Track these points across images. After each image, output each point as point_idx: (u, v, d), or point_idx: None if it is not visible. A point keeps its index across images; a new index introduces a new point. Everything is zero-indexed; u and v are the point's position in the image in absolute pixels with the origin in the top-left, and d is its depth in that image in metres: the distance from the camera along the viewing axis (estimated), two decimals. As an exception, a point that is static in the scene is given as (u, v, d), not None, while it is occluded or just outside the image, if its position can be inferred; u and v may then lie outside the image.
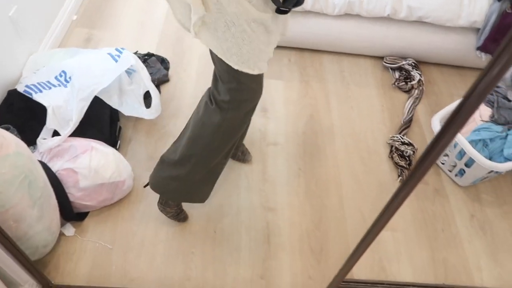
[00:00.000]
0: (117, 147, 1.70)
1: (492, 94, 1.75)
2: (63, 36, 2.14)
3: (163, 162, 1.35)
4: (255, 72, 1.07)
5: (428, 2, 1.94)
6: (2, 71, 1.65)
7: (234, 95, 1.14)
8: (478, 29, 2.04)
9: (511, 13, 1.90)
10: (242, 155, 1.70)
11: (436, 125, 1.66)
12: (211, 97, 1.20)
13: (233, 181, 1.67)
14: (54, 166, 1.44)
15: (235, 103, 1.16)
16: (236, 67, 1.04)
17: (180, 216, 1.50)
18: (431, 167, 0.83)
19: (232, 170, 1.70)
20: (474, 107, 0.66)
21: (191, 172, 1.30)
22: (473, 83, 0.63)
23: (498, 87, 1.78)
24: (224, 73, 1.11)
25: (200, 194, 1.41)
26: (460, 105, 0.67)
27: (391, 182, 1.75)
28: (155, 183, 1.37)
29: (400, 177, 1.74)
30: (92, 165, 1.44)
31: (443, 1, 1.93)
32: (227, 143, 1.27)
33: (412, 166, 0.85)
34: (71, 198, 1.43)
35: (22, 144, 1.17)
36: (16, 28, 1.73)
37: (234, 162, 1.72)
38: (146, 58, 2.02)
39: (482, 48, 2.02)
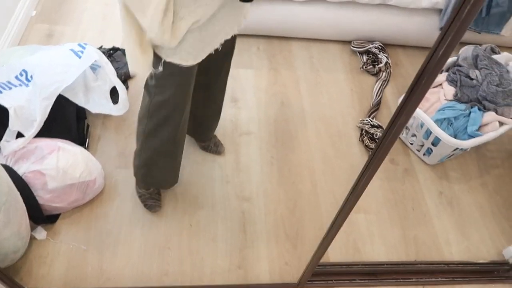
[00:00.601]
0: (86, 145, 1.67)
1: (455, 73, 1.80)
2: (23, 33, 2.06)
3: None
4: (188, 63, 1.07)
5: (391, -16, 1.96)
6: (-43, 73, 1.58)
7: (159, 80, 1.14)
8: (440, 10, 2.08)
9: (471, -7, 1.94)
10: (214, 147, 1.70)
11: (400, 97, 1.69)
12: (146, 82, 1.21)
13: (207, 173, 1.67)
14: (20, 169, 1.40)
15: (159, 88, 1.17)
16: (168, 60, 1.05)
17: (147, 202, 1.51)
18: (393, 145, 0.85)
19: (205, 162, 1.70)
20: (426, 85, 0.68)
21: (141, 156, 1.37)
22: (424, 60, 0.66)
23: (460, 66, 1.82)
24: (154, 58, 1.09)
25: (161, 178, 1.47)
26: (414, 82, 0.69)
27: (362, 165, 1.78)
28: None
29: (369, 155, 1.78)
30: (60, 166, 1.41)
31: (405, -17, 1.96)
32: (162, 127, 1.26)
33: (376, 145, 0.87)
34: (40, 201, 1.40)
35: (-17, 149, 1.13)
36: (-31, 27, 1.65)
37: (207, 154, 1.72)
38: (111, 53, 1.97)
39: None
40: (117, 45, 2.04)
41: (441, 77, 1.83)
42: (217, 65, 1.33)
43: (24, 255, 1.36)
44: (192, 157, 1.71)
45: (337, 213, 1.11)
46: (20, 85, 1.59)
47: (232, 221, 1.55)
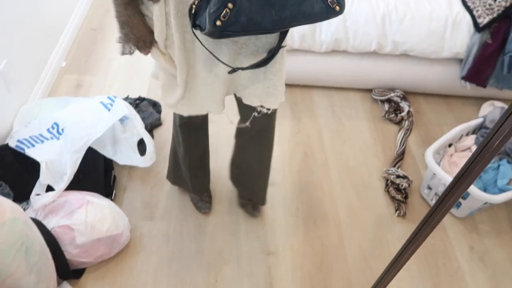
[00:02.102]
0: (112, 197, 1.68)
1: (483, 136, 1.79)
2: (53, 83, 2.13)
3: None
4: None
5: (412, 36, 2.00)
6: (-8, 126, 1.63)
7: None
8: (461, 60, 2.10)
9: (491, 43, 1.97)
10: (251, 209, 1.67)
11: (430, 159, 1.68)
12: None
13: (231, 225, 1.66)
14: (50, 223, 1.41)
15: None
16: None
17: (198, 205, 1.68)
18: (442, 218, 0.83)
19: (230, 214, 1.69)
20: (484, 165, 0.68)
21: (169, 159, 1.63)
22: (480, 143, 0.65)
23: (487, 128, 1.81)
24: None
25: (184, 183, 1.65)
26: (469, 162, 0.68)
27: (389, 217, 1.75)
28: None
29: (398, 211, 1.75)
30: (89, 220, 1.42)
31: (426, 35, 1.99)
32: (177, 146, 1.51)
33: (419, 223, 0.85)
34: (68, 256, 1.40)
35: (17, 208, 1.14)
36: (5, 82, 1.72)
37: (232, 205, 1.71)
38: (137, 103, 2.02)
39: (467, 78, 2.08)
40: (143, 95, 2.09)
41: (469, 141, 1.82)
42: (245, 138, 1.43)
43: (49, 312, 1.34)
44: (217, 208, 1.70)
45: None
46: (52, 138, 1.63)
47: (258, 278, 1.52)
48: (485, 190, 1.63)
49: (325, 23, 1.96)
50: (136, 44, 1.07)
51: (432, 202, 1.81)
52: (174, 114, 1.40)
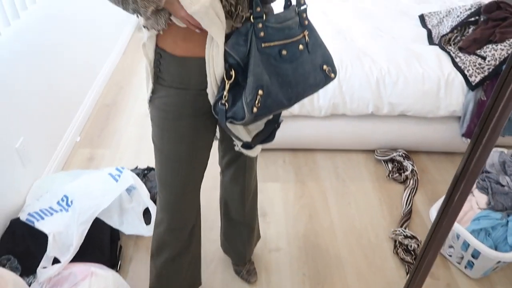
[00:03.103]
0: (118, 268, 1.68)
1: (484, 180, 1.78)
2: (67, 158, 2.25)
3: None
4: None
5: (407, 97, 2.07)
6: (5, 201, 1.70)
7: None
8: (459, 117, 2.14)
9: (485, 100, 2.02)
10: (246, 275, 1.66)
11: (433, 213, 1.66)
12: None
13: (236, 294, 1.62)
14: (53, 297, 1.41)
15: None
16: None
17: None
18: (434, 260, 0.82)
19: (235, 281, 1.66)
20: (462, 198, 0.69)
21: None
22: (453, 177, 0.67)
23: (488, 172, 1.81)
24: None
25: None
26: (448, 196, 0.69)
27: (400, 280, 1.69)
28: None
29: (409, 275, 1.69)
30: (92, 293, 1.42)
31: (420, 95, 2.06)
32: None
33: (415, 263, 0.84)
34: (69, 331, 1.38)
35: (20, 282, 1.16)
36: (21, 158, 1.83)
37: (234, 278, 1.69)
38: (145, 173, 2.09)
39: (467, 135, 2.10)
40: (151, 165, 2.17)
41: (471, 184, 1.81)
42: (231, 177, 1.40)
43: None
44: (222, 276, 1.68)
45: None
46: (61, 210, 1.69)
47: None
48: (496, 248, 1.58)
49: (322, 89, 2.06)
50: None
51: (453, 259, 1.74)
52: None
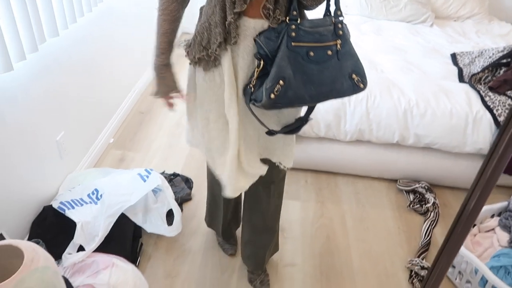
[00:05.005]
0: (137, 263, 1.74)
1: (507, 219, 1.77)
2: (100, 156, 2.36)
3: None
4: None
5: (434, 130, 2.10)
6: (40, 188, 1.81)
7: None
8: (485, 155, 2.15)
9: (515, 141, 2.02)
10: (259, 284, 1.68)
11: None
12: None
13: (248, 303, 1.64)
14: (75, 282, 1.48)
15: None
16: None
17: (224, 247, 1.84)
18: (440, 284, 0.84)
19: (248, 291, 1.68)
20: (467, 226, 0.72)
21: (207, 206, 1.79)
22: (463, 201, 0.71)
23: (511, 211, 1.80)
24: None
25: (219, 226, 1.76)
26: (456, 219, 0.73)
27: (413, 310, 1.67)
28: None
29: (422, 304, 1.67)
30: (111, 282, 1.47)
31: (447, 130, 2.09)
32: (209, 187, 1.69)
33: (422, 285, 0.87)
34: (86, 316, 1.43)
35: (50, 258, 1.23)
36: (59, 151, 1.95)
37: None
38: (171, 178, 2.18)
39: (492, 173, 2.09)
40: (178, 171, 2.26)
41: (493, 222, 1.80)
42: (254, 190, 1.44)
43: None
44: (236, 284, 1.71)
45: None
46: (91, 202, 1.78)
47: None
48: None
49: (349, 114, 2.12)
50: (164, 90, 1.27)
51: (457, 281, 1.73)
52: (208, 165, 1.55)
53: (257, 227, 1.57)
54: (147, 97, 2.99)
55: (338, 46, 1.11)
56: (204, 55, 1.15)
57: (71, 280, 1.48)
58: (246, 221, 1.60)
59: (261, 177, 1.40)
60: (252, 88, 1.12)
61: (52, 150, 1.89)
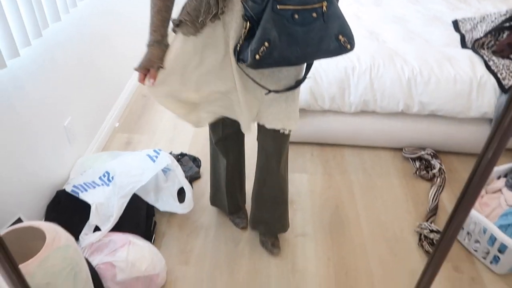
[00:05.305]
0: (152, 241, 1.78)
1: (511, 171, 1.79)
2: (107, 140, 2.38)
3: None
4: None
5: (438, 97, 2.10)
6: (52, 173, 1.84)
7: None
8: (490, 119, 2.16)
9: (519, 104, 2.03)
10: (271, 246, 1.74)
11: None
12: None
13: (262, 271, 1.69)
14: (94, 261, 1.52)
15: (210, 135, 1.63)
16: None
17: (235, 221, 1.88)
18: (452, 248, 0.87)
19: (262, 261, 1.73)
20: (481, 183, 0.74)
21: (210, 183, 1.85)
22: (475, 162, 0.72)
23: (518, 172, 1.82)
24: None
25: (222, 204, 1.86)
26: (468, 182, 0.74)
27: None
28: None
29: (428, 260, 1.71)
30: (129, 258, 1.51)
31: (452, 96, 2.09)
32: (214, 162, 1.76)
33: (435, 247, 0.89)
34: (108, 293, 1.48)
35: (71, 238, 1.27)
36: (68, 136, 1.96)
37: (264, 253, 1.76)
38: (179, 158, 2.20)
39: (497, 137, 2.11)
40: (185, 151, 2.28)
41: (500, 183, 1.83)
42: (264, 159, 1.55)
43: None
44: (249, 255, 1.75)
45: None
46: (103, 184, 1.81)
47: (288, 326, 1.51)
48: (523, 244, 1.59)
49: (353, 85, 2.12)
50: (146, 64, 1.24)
51: (465, 242, 1.77)
52: (210, 135, 1.63)
53: (267, 198, 1.62)
54: (149, 80, 2.98)
55: (324, 8, 1.13)
56: (197, 22, 1.18)
57: (90, 259, 1.52)
58: (257, 194, 1.63)
59: (270, 149, 1.43)
60: (239, 48, 1.16)
61: (61, 135, 1.91)
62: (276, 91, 1.29)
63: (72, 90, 2.00)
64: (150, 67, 1.24)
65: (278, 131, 1.41)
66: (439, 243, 0.88)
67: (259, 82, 1.27)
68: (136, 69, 1.25)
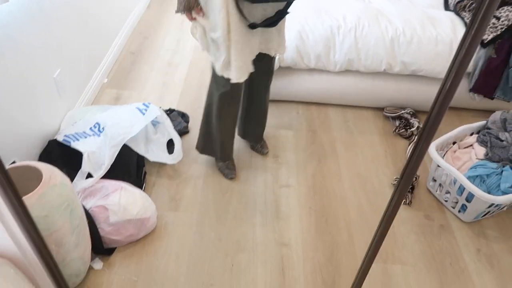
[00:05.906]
0: (142, 189, 1.86)
1: (485, 135, 1.91)
2: (96, 95, 2.41)
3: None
4: (234, 81, 1.57)
5: (420, 57, 2.18)
6: (43, 124, 1.87)
7: (221, 79, 1.62)
8: (469, 73, 2.26)
9: (496, 58, 2.13)
10: (260, 147, 2.09)
11: (433, 152, 1.83)
12: (213, 74, 1.69)
13: (248, 218, 1.79)
14: (88, 204, 1.59)
15: (222, 84, 1.65)
16: (222, 74, 1.60)
17: (224, 172, 1.97)
18: (415, 173, 0.95)
19: (247, 210, 1.83)
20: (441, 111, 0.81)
21: (204, 128, 1.88)
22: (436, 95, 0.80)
23: (489, 128, 1.93)
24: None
25: (212, 151, 1.94)
26: (429, 113, 0.82)
27: (399, 220, 1.84)
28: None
29: (404, 200, 1.85)
30: (121, 202, 1.59)
31: (432, 56, 2.17)
32: (224, 110, 1.76)
33: (398, 180, 0.98)
34: (102, 233, 1.56)
35: (66, 177, 1.34)
36: (58, 88, 1.99)
37: (249, 200, 1.86)
38: (168, 114, 2.25)
39: (474, 90, 2.23)
40: (173, 107, 2.33)
41: (472, 139, 1.94)
42: (258, 81, 1.80)
43: (82, 282, 1.49)
44: (236, 204, 1.85)
45: (364, 258, 1.17)
46: (94, 135, 1.86)
47: (271, 265, 1.63)
48: (489, 193, 1.71)
49: (338, 44, 2.17)
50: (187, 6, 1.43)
51: (437, 193, 1.91)
52: (212, 88, 1.72)
53: (259, 110, 1.92)
54: (136, 38, 2.98)
55: None
56: None
57: (83, 203, 1.59)
58: (251, 106, 1.91)
59: (264, 68, 1.74)
60: None
61: (51, 87, 1.93)
62: (260, 25, 1.48)
63: (61, 41, 2.01)
64: (191, 9, 1.42)
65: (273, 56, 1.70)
66: (405, 171, 0.96)
67: (248, 17, 1.44)
68: (177, 12, 1.43)
